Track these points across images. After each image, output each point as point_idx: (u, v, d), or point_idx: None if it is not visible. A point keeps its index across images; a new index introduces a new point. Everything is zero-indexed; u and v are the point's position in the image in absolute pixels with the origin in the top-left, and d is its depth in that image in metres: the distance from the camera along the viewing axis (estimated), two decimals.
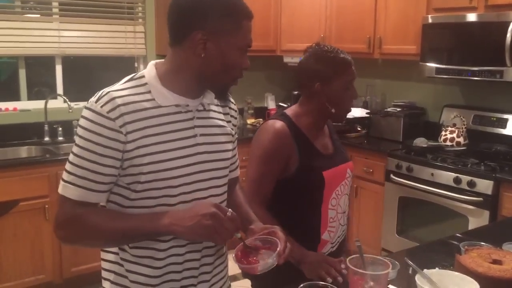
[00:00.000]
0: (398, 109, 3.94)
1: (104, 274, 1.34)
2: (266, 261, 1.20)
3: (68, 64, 3.93)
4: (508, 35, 2.95)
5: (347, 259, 1.30)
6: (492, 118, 3.51)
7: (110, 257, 1.31)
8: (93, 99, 1.21)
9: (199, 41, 1.20)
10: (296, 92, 4.76)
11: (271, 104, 4.82)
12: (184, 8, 1.22)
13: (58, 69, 3.87)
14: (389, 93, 4.33)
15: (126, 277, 1.29)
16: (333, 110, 1.77)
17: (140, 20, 4.09)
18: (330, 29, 4.29)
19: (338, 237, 1.84)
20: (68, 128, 3.75)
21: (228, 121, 1.42)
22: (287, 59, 4.48)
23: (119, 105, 1.19)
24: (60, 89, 3.89)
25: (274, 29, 4.39)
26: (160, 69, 1.27)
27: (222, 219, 1.15)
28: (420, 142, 3.56)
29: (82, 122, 1.20)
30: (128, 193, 1.23)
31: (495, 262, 1.42)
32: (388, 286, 1.43)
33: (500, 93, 3.52)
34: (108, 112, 1.17)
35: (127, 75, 1.30)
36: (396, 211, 3.50)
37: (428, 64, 3.49)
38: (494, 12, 3.11)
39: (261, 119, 4.55)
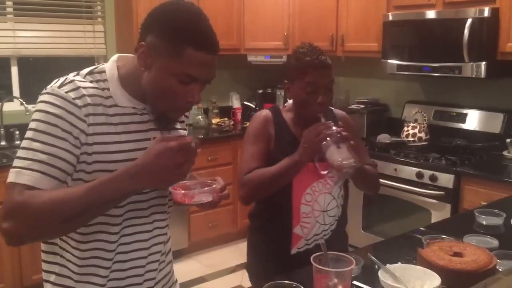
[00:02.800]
0: (362, 106, 3.98)
1: (45, 275, 1.27)
2: (202, 190, 1.20)
3: (25, 66, 3.80)
4: (466, 31, 3.01)
5: (311, 257, 1.29)
6: (452, 113, 3.59)
7: (51, 258, 1.26)
8: (55, 84, 1.16)
9: (141, 54, 1.16)
10: (261, 91, 4.76)
11: (236, 103, 4.79)
12: (145, 18, 1.20)
13: (14, 70, 3.73)
14: (352, 90, 4.37)
15: (69, 277, 1.23)
16: (298, 110, 1.80)
17: (99, 20, 3.98)
18: (293, 27, 4.30)
19: (315, 235, 1.82)
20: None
21: (181, 121, 1.40)
22: (251, 58, 4.46)
23: (84, 95, 1.15)
24: (16, 91, 3.76)
25: (237, 27, 4.37)
26: (121, 69, 1.24)
27: (188, 155, 1.07)
28: (383, 138, 3.61)
29: (42, 106, 1.13)
30: None
31: (456, 254, 1.44)
32: (353, 282, 1.44)
33: (459, 88, 3.61)
34: (74, 99, 1.13)
35: None
36: (361, 207, 3.54)
37: (389, 61, 3.54)
38: (452, 9, 3.18)
39: (226, 119, 4.52)
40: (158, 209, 1.30)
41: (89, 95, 1.16)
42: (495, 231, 1.84)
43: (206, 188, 1.23)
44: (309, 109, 1.74)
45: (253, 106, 4.78)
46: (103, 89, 1.20)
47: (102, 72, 1.23)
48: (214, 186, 1.23)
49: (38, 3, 3.72)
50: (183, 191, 1.19)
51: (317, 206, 1.80)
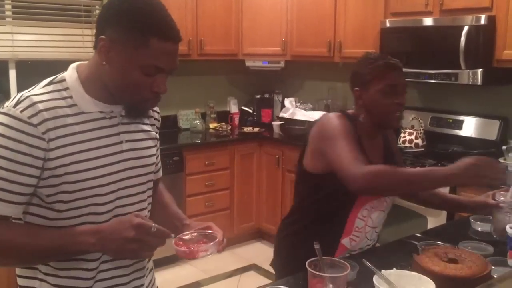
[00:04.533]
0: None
1: None
2: (208, 246, 1.21)
3: (23, 69, 3.80)
4: (462, 38, 3.03)
5: (306, 263, 1.30)
6: (449, 120, 3.61)
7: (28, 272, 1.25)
8: (10, 103, 1.13)
9: (101, 47, 1.15)
10: (258, 96, 4.77)
11: (233, 108, 4.80)
12: (102, 12, 1.18)
13: (12, 73, 3.73)
14: (350, 97, 4.35)
15: None
16: (372, 117, 1.77)
17: None
18: (291, 33, 4.32)
19: (361, 248, 1.83)
20: None
21: (152, 125, 1.39)
22: (249, 63, 4.48)
23: (41, 110, 1.12)
24: (14, 94, 3.75)
25: (235, 33, 4.39)
26: (82, 74, 1.22)
27: (146, 239, 1.12)
28: None
29: None
30: (52, 206, 1.17)
31: (451, 261, 1.44)
32: (348, 287, 1.44)
33: (456, 95, 3.62)
34: (29, 118, 1.11)
35: None
36: None
37: None
38: (449, 16, 3.20)
39: (223, 123, 4.53)
40: None
41: (47, 109, 1.13)
42: (490, 237, 1.85)
43: (211, 244, 1.22)
44: (386, 112, 1.74)
45: (251, 111, 4.79)
46: (64, 98, 1.18)
47: (63, 80, 1.21)
48: (217, 239, 1.24)
49: (36, 6, 3.73)
50: (187, 249, 1.20)
51: (370, 222, 1.81)
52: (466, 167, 1.50)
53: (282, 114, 4.38)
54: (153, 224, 1.12)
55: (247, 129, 4.48)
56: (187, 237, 1.26)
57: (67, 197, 1.16)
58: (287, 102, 4.44)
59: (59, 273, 1.21)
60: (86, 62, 1.25)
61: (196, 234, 1.28)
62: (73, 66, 1.25)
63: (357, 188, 1.60)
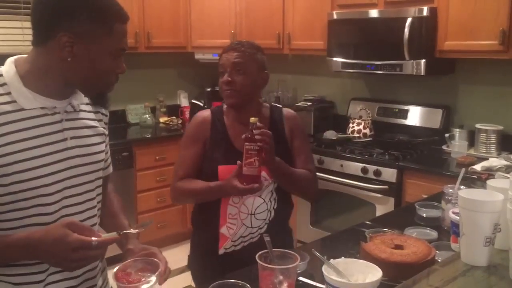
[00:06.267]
0: (309, 103, 4.04)
1: None
2: (148, 280, 1.15)
3: None
4: (406, 30, 3.11)
5: (256, 255, 1.30)
6: (395, 110, 3.71)
7: None
8: None
9: (65, 43, 1.11)
10: (209, 89, 4.73)
11: (184, 101, 4.74)
12: (49, 7, 1.13)
13: None
14: (300, 88, 4.43)
15: None
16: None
17: None
18: (240, 25, 4.30)
19: (242, 237, 1.82)
20: None
21: (100, 120, 1.35)
22: (198, 56, 4.43)
23: None
24: None
25: (184, 25, 4.33)
26: (21, 68, 1.17)
27: (87, 255, 1.09)
28: (330, 134, 3.68)
29: None
30: None
31: (397, 247, 1.48)
32: (298, 278, 1.46)
33: (401, 85, 3.73)
34: None
35: None
36: (309, 203, 3.59)
37: (334, 59, 3.61)
38: (393, 8, 3.28)
39: (174, 117, 4.47)
40: None
41: None
42: (434, 223, 1.92)
43: (153, 276, 1.16)
44: (220, 88, 1.88)
45: (202, 105, 4.74)
46: (2, 95, 1.13)
47: None
48: (160, 269, 1.18)
49: None
50: (129, 286, 1.13)
51: (244, 208, 1.81)
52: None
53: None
54: (93, 238, 1.09)
55: None
56: (129, 269, 1.19)
57: (5, 199, 1.11)
58: None
59: (10, 280, 1.17)
60: (25, 56, 1.19)
61: (139, 260, 1.22)
62: (10, 60, 1.19)
63: (171, 198, 1.94)
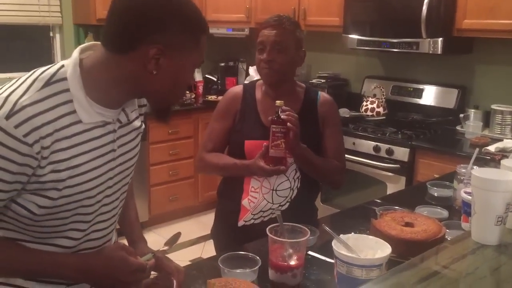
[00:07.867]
0: (323, 81, 4.01)
1: None
2: None
3: None
4: (424, 7, 3.06)
5: (267, 228, 1.32)
6: (409, 89, 3.67)
7: None
8: (3, 112, 0.96)
9: (153, 56, 1.04)
10: (222, 64, 4.71)
11: (197, 76, 4.72)
12: (139, 15, 1.03)
13: None
14: (314, 65, 4.39)
15: None
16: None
17: None
18: (256, 0, 4.26)
19: (262, 211, 1.84)
20: None
21: (141, 114, 1.30)
22: (213, 30, 4.39)
23: (37, 128, 0.99)
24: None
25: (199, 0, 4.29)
26: (88, 73, 1.07)
27: (141, 277, 1.15)
28: (343, 112, 3.66)
29: None
30: (35, 209, 1.07)
31: (407, 225, 1.49)
32: (308, 252, 1.47)
33: (417, 64, 3.68)
34: (24, 136, 0.97)
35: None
36: None
37: (350, 36, 3.56)
38: None
39: (187, 92, 4.47)
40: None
41: (44, 124, 1.00)
42: (445, 202, 1.92)
43: None
44: (258, 66, 1.85)
45: (215, 79, 4.74)
46: (65, 103, 1.04)
47: (63, 79, 1.05)
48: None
49: None
50: None
51: (266, 183, 1.82)
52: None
53: (246, 83, 4.35)
54: (147, 262, 1.15)
55: (211, 97, 4.44)
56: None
57: (49, 210, 1.08)
58: (251, 70, 4.40)
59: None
60: (93, 54, 1.10)
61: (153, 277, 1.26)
62: (75, 61, 1.07)
63: (196, 168, 1.98)
